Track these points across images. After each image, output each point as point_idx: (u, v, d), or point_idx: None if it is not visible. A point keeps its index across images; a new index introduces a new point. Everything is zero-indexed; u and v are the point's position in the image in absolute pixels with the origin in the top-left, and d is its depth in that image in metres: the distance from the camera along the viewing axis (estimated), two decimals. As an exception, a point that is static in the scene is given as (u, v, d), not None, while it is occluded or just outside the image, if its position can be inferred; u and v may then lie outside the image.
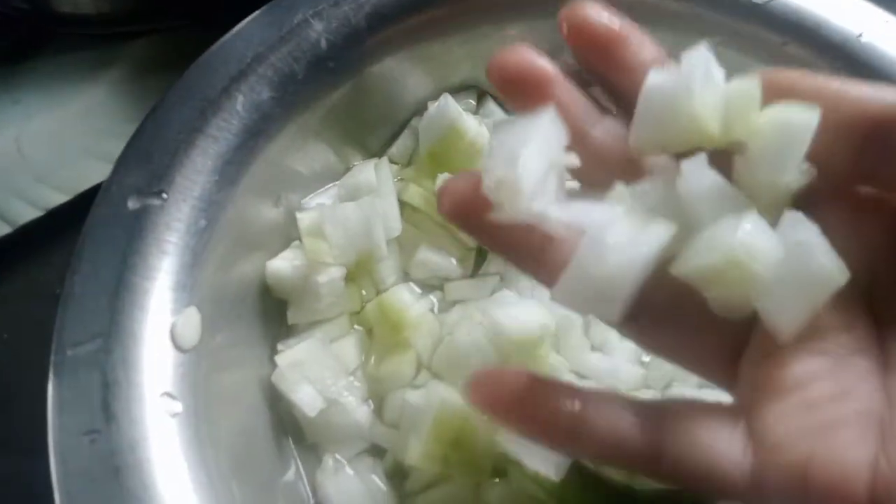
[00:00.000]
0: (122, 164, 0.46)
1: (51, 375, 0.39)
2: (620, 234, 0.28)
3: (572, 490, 0.42)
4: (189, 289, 0.44)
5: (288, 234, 0.54)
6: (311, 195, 0.57)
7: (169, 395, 0.40)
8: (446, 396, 0.46)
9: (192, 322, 0.43)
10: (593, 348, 0.52)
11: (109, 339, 0.40)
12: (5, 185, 0.61)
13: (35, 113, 0.66)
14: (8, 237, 0.60)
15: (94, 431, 0.38)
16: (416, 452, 0.44)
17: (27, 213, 0.61)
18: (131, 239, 0.43)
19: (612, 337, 0.52)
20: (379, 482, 0.48)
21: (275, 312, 0.52)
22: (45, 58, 0.69)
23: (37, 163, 0.63)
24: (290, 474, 0.48)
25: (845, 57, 0.52)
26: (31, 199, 0.61)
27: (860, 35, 0.52)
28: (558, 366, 0.49)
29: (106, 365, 0.39)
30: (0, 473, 0.55)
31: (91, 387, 0.39)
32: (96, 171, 0.62)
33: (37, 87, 0.67)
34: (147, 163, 0.46)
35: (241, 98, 0.49)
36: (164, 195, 0.45)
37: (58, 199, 0.61)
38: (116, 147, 0.62)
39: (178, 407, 0.40)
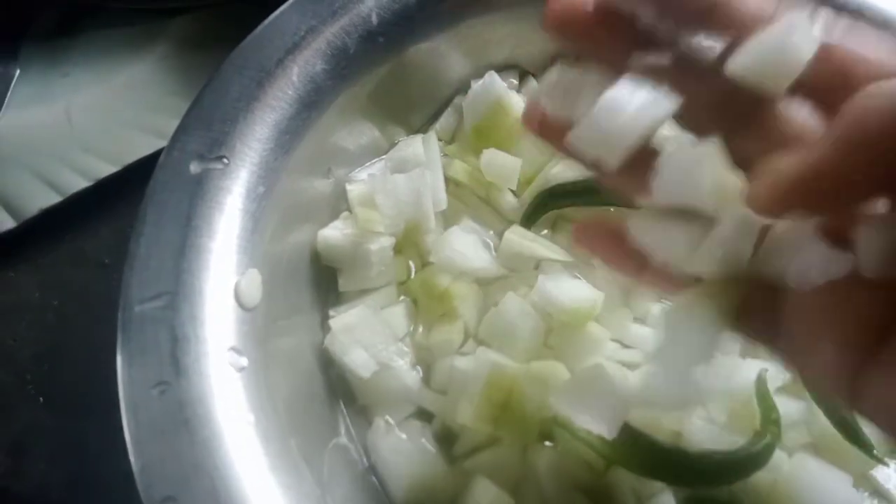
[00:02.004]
0: (182, 130, 0.47)
1: (119, 331, 0.40)
2: (635, 98, 0.31)
3: (623, 450, 0.43)
4: (249, 252, 0.45)
5: (336, 206, 0.55)
6: (358, 169, 0.58)
7: (235, 349, 0.41)
8: (497, 360, 0.47)
9: (254, 282, 0.44)
10: (635, 319, 0.53)
11: (176, 296, 0.41)
12: (55, 155, 0.63)
13: (84, 86, 0.67)
14: (57, 206, 0.62)
15: (164, 383, 0.39)
16: (468, 413, 0.46)
17: (76, 183, 0.62)
18: (194, 202, 0.44)
19: (653, 308, 0.53)
20: (428, 445, 0.49)
21: (325, 281, 0.54)
22: (93, 32, 0.70)
23: (85, 134, 0.64)
24: (341, 436, 0.49)
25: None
26: (80, 169, 0.62)
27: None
28: (601, 335, 0.50)
29: (174, 321, 0.40)
30: (51, 432, 0.57)
31: (160, 341, 0.40)
32: (143, 144, 0.63)
33: (85, 61, 0.68)
34: (207, 129, 0.47)
35: (296, 70, 0.50)
36: (225, 160, 0.46)
37: (106, 169, 0.63)
38: (163, 120, 0.64)
39: (243, 361, 0.41)
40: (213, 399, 0.39)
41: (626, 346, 0.51)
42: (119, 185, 0.63)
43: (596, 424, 0.41)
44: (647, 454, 0.43)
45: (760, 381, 0.45)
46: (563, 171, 0.55)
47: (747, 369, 0.48)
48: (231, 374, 0.40)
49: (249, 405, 0.40)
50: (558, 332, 0.51)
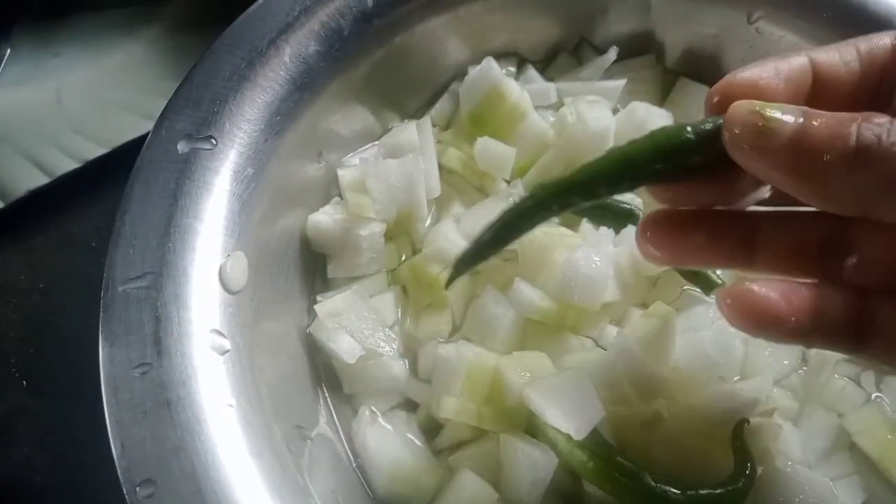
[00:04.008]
0: (171, 109, 0.46)
1: (102, 310, 0.40)
2: None
3: (583, 454, 0.42)
4: (236, 234, 0.44)
5: (327, 191, 0.55)
6: (350, 154, 0.57)
7: (218, 332, 0.40)
8: (477, 353, 0.46)
9: (239, 265, 0.43)
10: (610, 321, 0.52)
11: (160, 276, 0.40)
12: (45, 135, 0.62)
13: (75, 66, 0.66)
14: (45, 187, 0.61)
15: (145, 364, 0.38)
16: (451, 407, 0.45)
17: (65, 164, 0.62)
18: (181, 181, 0.43)
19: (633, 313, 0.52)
20: (413, 437, 0.48)
21: (313, 267, 0.53)
22: (84, 12, 0.70)
23: (75, 114, 0.64)
24: (323, 423, 0.48)
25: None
26: (69, 149, 0.62)
27: (905, 10, 0.52)
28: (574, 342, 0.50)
29: (157, 301, 0.40)
30: (36, 415, 0.56)
31: (142, 322, 0.39)
32: (133, 126, 0.63)
33: (76, 41, 0.68)
34: (196, 109, 0.46)
35: (288, 50, 0.49)
36: (214, 141, 0.45)
37: (95, 151, 0.62)
38: (153, 102, 0.63)
39: (226, 344, 0.40)
40: (195, 381, 0.38)
41: (599, 346, 0.50)
42: (108, 167, 0.62)
43: (566, 423, 0.41)
44: (612, 470, 0.42)
45: (737, 431, 0.44)
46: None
47: (725, 403, 0.46)
48: (214, 357, 0.39)
49: (232, 389, 0.39)
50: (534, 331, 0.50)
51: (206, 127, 0.45)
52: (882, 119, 0.30)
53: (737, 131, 0.32)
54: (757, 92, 0.34)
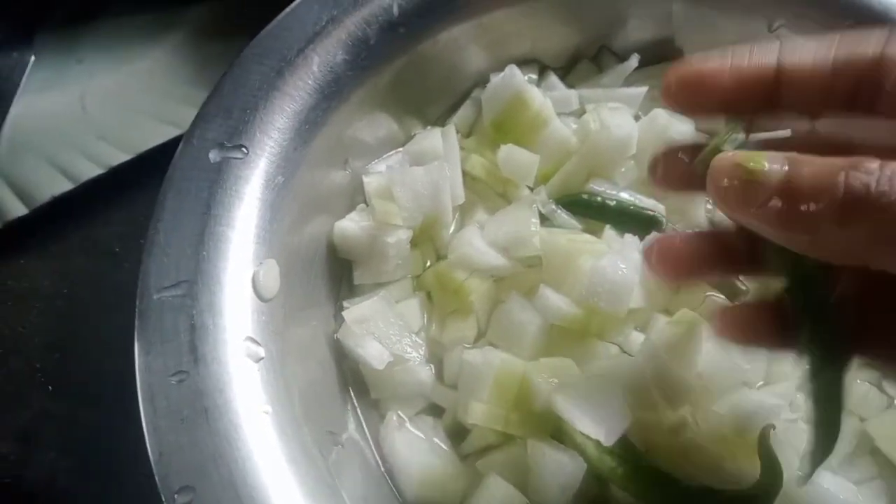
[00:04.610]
0: (202, 118, 0.46)
1: (137, 319, 0.40)
2: None
3: (616, 464, 0.42)
4: (268, 242, 0.44)
5: (353, 198, 0.55)
6: (374, 161, 0.58)
7: (252, 339, 0.41)
8: (504, 358, 0.47)
9: (272, 273, 0.44)
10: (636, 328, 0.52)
11: (195, 284, 0.41)
12: (69, 142, 0.63)
13: (98, 72, 0.67)
14: (70, 194, 0.62)
15: (182, 372, 0.38)
16: (479, 412, 0.45)
17: (89, 171, 0.62)
18: (213, 190, 0.44)
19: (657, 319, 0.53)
20: (440, 441, 0.49)
21: (339, 273, 0.53)
22: (108, 18, 0.70)
23: (100, 121, 0.64)
24: (352, 428, 0.49)
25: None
26: (94, 156, 0.62)
27: (929, 18, 0.52)
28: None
29: (192, 309, 0.40)
30: (61, 421, 0.57)
31: (178, 330, 0.40)
32: (157, 132, 0.63)
33: (100, 48, 0.68)
34: (227, 118, 0.46)
35: (316, 59, 0.50)
36: (244, 150, 0.45)
37: (119, 157, 0.62)
38: (177, 109, 0.64)
39: (261, 352, 0.41)
40: (231, 389, 0.39)
41: (624, 352, 0.51)
42: (132, 174, 0.62)
43: (595, 429, 0.41)
44: (631, 470, 0.42)
45: (763, 436, 0.43)
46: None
47: (750, 408, 0.46)
48: (249, 364, 0.40)
49: (267, 396, 0.40)
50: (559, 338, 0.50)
51: (237, 136, 0.46)
52: (872, 165, 0.29)
53: (722, 185, 0.32)
54: (705, 90, 0.35)
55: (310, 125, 0.49)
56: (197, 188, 0.44)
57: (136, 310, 0.40)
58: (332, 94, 0.50)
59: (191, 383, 0.38)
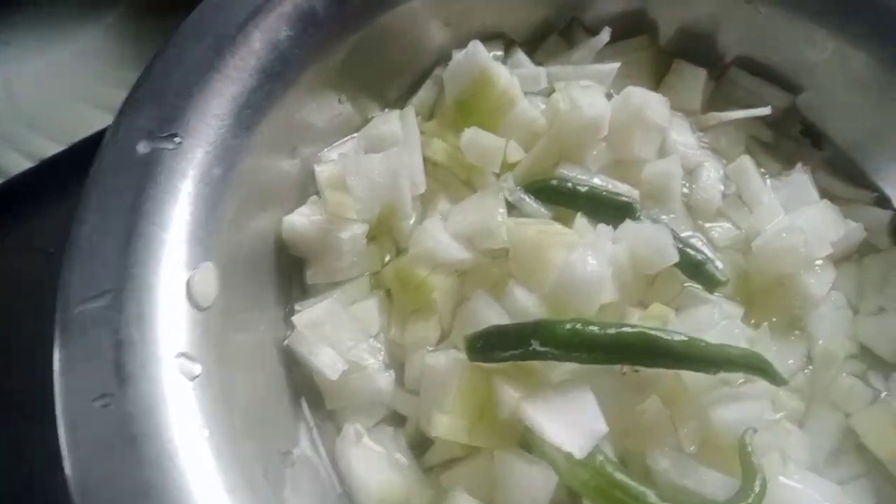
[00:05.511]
0: (130, 105, 0.42)
1: (57, 335, 0.36)
2: None
3: (584, 472, 0.40)
4: (204, 243, 0.40)
5: (303, 190, 0.51)
6: (327, 148, 0.54)
7: (186, 356, 0.37)
8: (469, 364, 0.43)
9: (209, 278, 0.40)
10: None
11: (121, 294, 0.37)
12: (-5, 133, 0.58)
13: (27, 55, 0.62)
14: (-2, 189, 0.57)
15: (107, 395, 0.34)
16: (442, 425, 0.42)
17: (19, 164, 0.58)
18: (143, 186, 0.40)
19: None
20: (401, 455, 0.45)
21: (289, 273, 0.49)
22: (36, -3, 0.65)
23: (29, 109, 0.60)
24: (305, 444, 0.45)
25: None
26: (23, 148, 0.58)
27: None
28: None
29: (118, 322, 0.36)
30: (-3, 438, 0.52)
31: (102, 347, 0.35)
32: (92, 119, 0.59)
33: (28, 28, 0.64)
34: (158, 104, 0.42)
35: (258, 36, 0.46)
36: (178, 139, 0.41)
37: (51, 148, 0.58)
38: (113, 93, 0.59)
39: (196, 368, 0.37)
40: (162, 412, 0.35)
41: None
42: (66, 166, 0.58)
43: (566, 440, 0.39)
44: (615, 490, 0.39)
45: (743, 443, 0.42)
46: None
47: (729, 409, 0.44)
48: (183, 383, 0.36)
49: (204, 417, 0.36)
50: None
51: (169, 124, 0.42)
52: None
53: None
54: None
55: (251, 110, 0.45)
56: (124, 185, 0.40)
57: (56, 324, 0.36)
58: (276, 74, 0.46)
59: (116, 407, 0.34)
